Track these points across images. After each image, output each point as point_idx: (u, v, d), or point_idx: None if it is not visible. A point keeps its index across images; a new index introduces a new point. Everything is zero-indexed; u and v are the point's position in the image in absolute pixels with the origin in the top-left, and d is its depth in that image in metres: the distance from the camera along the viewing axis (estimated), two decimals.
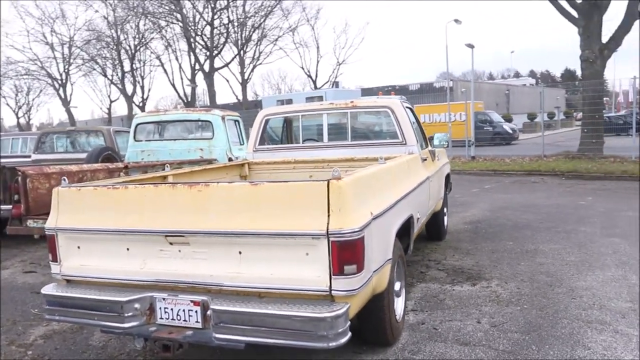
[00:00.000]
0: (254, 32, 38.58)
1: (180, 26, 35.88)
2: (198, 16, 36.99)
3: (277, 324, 2.50)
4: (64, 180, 3.16)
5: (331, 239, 2.50)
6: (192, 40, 36.02)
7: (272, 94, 49.44)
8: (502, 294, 4.68)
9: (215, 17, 36.97)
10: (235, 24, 37.31)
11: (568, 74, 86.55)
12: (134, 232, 2.88)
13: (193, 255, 2.79)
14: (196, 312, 2.73)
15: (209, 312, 2.65)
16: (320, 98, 27.56)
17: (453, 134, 16.83)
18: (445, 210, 6.80)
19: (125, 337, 3.78)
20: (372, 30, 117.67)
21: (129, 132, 9.52)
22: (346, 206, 2.54)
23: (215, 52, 36.38)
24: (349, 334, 2.51)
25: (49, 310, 3.01)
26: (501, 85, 49.99)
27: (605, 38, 16.05)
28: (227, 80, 50.38)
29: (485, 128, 28.34)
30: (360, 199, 2.74)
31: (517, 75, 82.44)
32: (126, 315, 2.80)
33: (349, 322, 2.51)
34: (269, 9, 37.59)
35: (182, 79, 40.37)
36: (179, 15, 35.64)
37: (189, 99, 39.60)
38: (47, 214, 5.52)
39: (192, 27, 36.22)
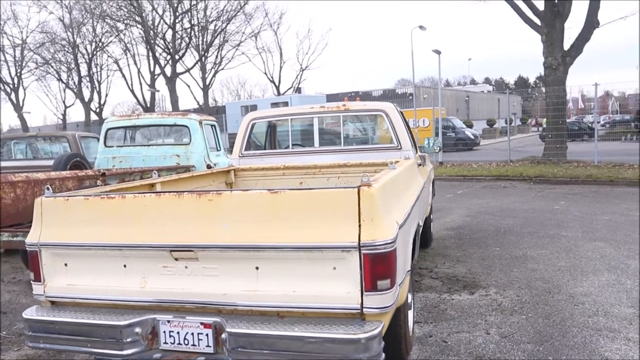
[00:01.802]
0: (216, 37, 37.97)
1: (140, 29, 34.90)
2: (158, 19, 36.13)
3: (305, 348, 2.24)
4: (48, 189, 2.80)
5: (363, 251, 2.26)
6: (152, 44, 35.08)
7: (233, 100, 48.85)
8: (503, 302, 4.55)
9: (177, 20, 36.18)
10: (197, 28, 36.60)
11: (521, 81, 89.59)
12: (132, 247, 2.57)
13: (202, 272, 2.50)
14: (207, 335, 2.44)
15: (223, 336, 2.36)
16: (286, 104, 27.36)
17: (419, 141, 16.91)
18: (431, 216, 6.69)
19: None
20: (335, 36, 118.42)
21: (95, 137, 9.02)
22: (378, 215, 2.32)
23: (177, 57, 35.55)
24: (383, 356, 2.28)
25: (32, 337, 2.64)
26: (461, 91, 51.07)
27: (566, 45, 16.49)
28: (189, 86, 49.24)
29: (448, 134, 28.72)
30: (387, 207, 2.52)
31: (473, 82, 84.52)
32: (126, 341, 2.48)
33: (383, 343, 2.28)
34: (232, 12, 37.11)
35: (141, 84, 39.29)
36: (138, 18, 34.66)
37: (149, 105, 38.53)
38: (13, 225, 5.10)
39: (153, 31, 35.29)
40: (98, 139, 9.01)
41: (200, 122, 7.54)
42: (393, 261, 2.33)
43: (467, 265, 5.82)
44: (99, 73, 41.18)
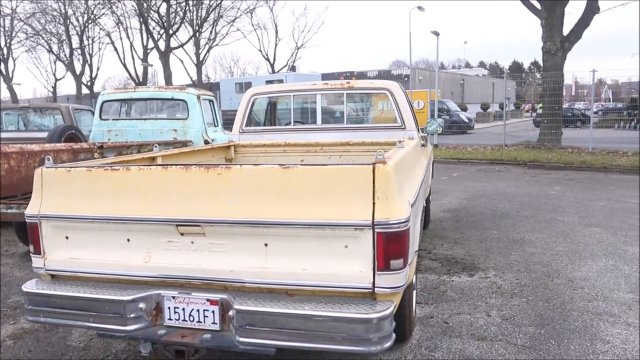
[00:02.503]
0: (211, 12, 37.35)
1: (134, 2, 34.20)
2: None
3: (315, 327, 2.20)
4: (48, 159, 2.71)
5: (377, 230, 2.21)
6: (146, 17, 34.41)
7: (226, 77, 48.29)
8: (503, 285, 4.55)
9: None
10: (192, 2, 35.94)
11: (516, 66, 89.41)
12: (137, 221, 2.49)
13: (209, 248, 2.44)
14: (213, 312, 2.39)
15: (230, 313, 2.31)
16: (281, 82, 27.07)
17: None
18: (430, 197, 6.66)
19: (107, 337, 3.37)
20: (331, 15, 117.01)
21: (89, 110, 8.85)
22: (392, 193, 2.26)
23: (171, 31, 34.95)
24: (394, 336, 2.25)
25: (32, 310, 2.58)
26: (456, 74, 50.85)
27: (565, 31, 16.38)
28: (182, 61, 48.50)
29: (442, 117, 28.61)
30: (400, 185, 2.46)
31: (468, 65, 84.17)
32: (129, 316, 2.42)
33: (394, 324, 2.24)
34: None
35: (133, 58, 38.67)
36: None
37: (141, 80, 38.00)
38: (7, 198, 4.99)
39: (147, 3, 34.59)
40: (92, 112, 8.86)
41: (199, 97, 7.40)
42: (406, 241, 2.28)
43: (465, 247, 5.81)
44: (90, 46, 40.51)
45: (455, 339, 3.47)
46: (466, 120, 29.82)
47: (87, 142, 6.41)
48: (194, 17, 36.98)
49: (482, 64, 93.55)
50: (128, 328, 2.42)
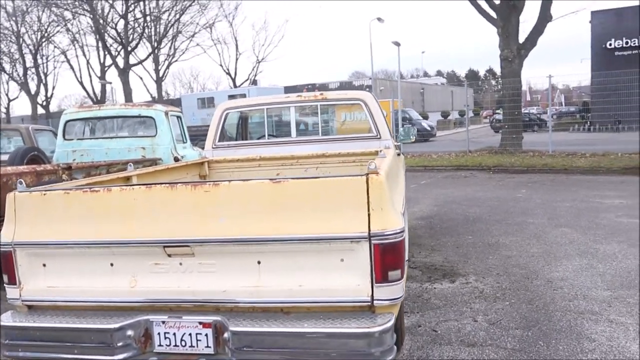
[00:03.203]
0: (169, 27, 36.93)
1: (90, 18, 33.44)
2: (109, 8, 34.75)
3: (316, 344, 2.13)
4: (21, 183, 2.56)
5: (373, 241, 2.17)
6: (102, 34, 33.70)
7: (186, 93, 47.78)
8: (485, 289, 4.58)
9: (129, 10, 34.90)
10: (149, 18, 35.46)
11: (472, 74, 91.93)
12: (120, 244, 2.38)
13: (199, 268, 2.35)
14: (206, 335, 2.29)
15: (225, 335, 2.22)
16: (244, 96, 26.95)
17: None
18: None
19: None
20: (291, 28, 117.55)
21: (50, 131, 8.54)
22: (386, 204, 2.23)
23: (130, 48, 34.33)
24: (395, 349, 2.21)
25: (9, 345, 2.41)
26: (416, 84, 51.83)
27: (521, 39, 16.92)
28: (141, 78, 47.62)
29: (405, 125, 29.03)
30: (392, 195, 2.44)
31: (425, 74, 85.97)
32: (117, 345, 2.30)
33: (395, 337, 2.20)
34: (186, 3, 36.14)
35: (90, 76, 37.77)
36: (87, 7, 33.20)
37: (99, 98, 37.12)
38: None
39: (103, 20, 33.91)
40: (53, 132, 8.55)
41: (166, 113, 7.23)
42: (403, 251, 2.25)
43: (442, 254, 5.84)
44: (45, 64, 39.34)
45: (445, 347, 3.45)
46: (428, 129, 30.34)
47: (51, 163, 6.16)
48: (153, 33, 36.49)
49: (439, 73, 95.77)
50: (116, 358, 2.29)
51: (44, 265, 2.51)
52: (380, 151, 3.41)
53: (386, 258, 2.18)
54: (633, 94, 19.68)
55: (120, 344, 2.30)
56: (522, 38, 16.84)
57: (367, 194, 2.18)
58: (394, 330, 2.18)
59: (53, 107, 40.92)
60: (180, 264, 2.36)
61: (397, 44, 20.89)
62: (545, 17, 16.65)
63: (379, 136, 4.86)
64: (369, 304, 2.21)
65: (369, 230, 2.17)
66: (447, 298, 4.40)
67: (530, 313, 3.98)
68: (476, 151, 17.83)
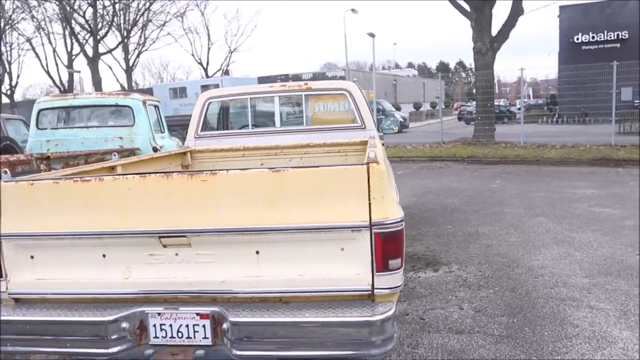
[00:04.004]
0: (139, 16, 36.09)
1: (57, 5, 32.37)
2: None
3: (317, 334, 2.12)
4: (5, 172, 2.46)
5: (374, 230, 2.16)
6: (70, 22, 32.68)
7: (155, 83, 46.92)
8: (468, 278, 4.65)
9: None
10: (118, 6, 34.56)
11: (442, 66, 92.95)
12: (113, 235, 2.31)
13: (196, 259, 2.30)
14: (204, 326, 2.25)
15: (224, 326, 2.19)
16: (217, 86, 26.60)
17: None
18: None
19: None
20: (264, 18, 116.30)
21: (20, 120, 8.27)
22: (387, 193, 2.23)
23: (99, 36, 33.39)
24: (395, 338, 2.21)
25: None
26: (388, 75, 52.07)
27: (494, 32, 17.16)
28: (110, 68, 46.54)
29: (379, 117, 29.20)
30: (390, 184, 2.44)
31: (397, 66, 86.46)
32: (112, 338, 2.24)
33: (396, 325, 2.21)
34: None
35: (57, 64, 36.67)
36: None
37: (67, 87, 36.11)
38: None
39: (71, 8, 32.88)
40: (23, 121, 8.28)
41: (144, 102, 7.06)
42: (402, 240, 2.26)
43: (424, 243, 5.91)
44: (9, 52, 37.98)
45: (434, 334, 3.50)
46: (401, 120, 30.56)
47: (24, 153, 5.96)
48: (122, 21, 35.61)
49: (410, 65, 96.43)
50: (111, 350, 2.23)
51: (32, 257, 2.43)
52: (370, 141, 3.40)
53: (387, 247, 2.18)
54: (599, 87, 20.22)
55: (115, 336, 2.24)
56: (494, 31, 17.07)
57: (368, 183, 2.17)
58: (394, 318, 2.19)
59: (17, 97, 39.60)
60: (176, 254, 2.31)
61: (372, 35, 20.92)
62: (517, 10, 16.92)
63: (363, 126, 4.86)
64: (370, 292, 2.21)
65: (370, 219, 2.16)
66: (432, 287, 4.45)
67: (514, 300, 4.06)
68: (450, 142, 18.06)
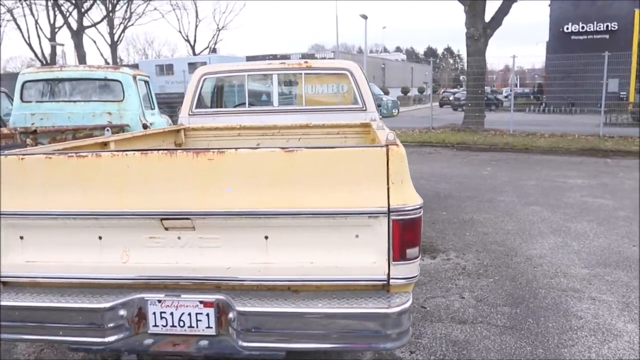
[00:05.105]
0: None
1: None
2: None
3: (330, 325, 2.00)
4: None
5: (392, 217, 2.04)
6: None
7: (140, 59, 46.00)
8: (467, 265, 4.58)
9: None
10: None
11: (430, 52, 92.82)
12: (111, 216, 2.15)
13: (199, 243, 2.16)
14: (207, 315, 2.12)
15: (231, 315, 2.06)
16: (204, 63, 26.10)
17: None
18: None
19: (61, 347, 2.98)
20: None
21: (4, 92, 7.94)
22: (406, 177, 2.10)
23: (83, 9, 32.44)
24: (411, 331, 2.11)
25: None
26: (377, 59, 51.72)
27: (487, 18, 17.01)
28: (95, 42, 45.53)
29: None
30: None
31: (385, 50, 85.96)
32: (108, 326, 2.09)
33: (411, 318, 2.10)
34: None
35: (39, 37, 35.59)
36: None
37: (49, 60, 35.15)
38: None
39: None
40: (6, 94, 7.95)
41: (134, 77, 6.79)
42: (420, 227, 2.14)
43: None
44: None
45: (437, 324, 3.41)
46: (390, 103, 30.36)
47: (8, 127, 5.70)
48: None
49: (398, 49, 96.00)
50: (108, 339, 2.09)
51: (21, 237, 2.26)
52: (379, 122, 3.26)
53: (405, 235, 2.06)
54: (587, 78, 20.26)
55: (111, 324, 2.10)
56: (487, 17, 16.93)
57: (387, 166, 2.04)
58: (411, 311, 2.08)
59: None
60: (179, 238, 2.16)
61: (365, 17, 20.65)
62: None
63: (364, 108, 4.72)
64: (385, 282, 2.10)
65: (389, 205, 2.03)
66: (431, 274, 4.36)
67: (515, 290, 3.99)
68: (439, 128, 17.99)
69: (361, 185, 2.06)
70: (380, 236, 2.06)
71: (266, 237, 2.13)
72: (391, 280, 2.09)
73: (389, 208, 2.03)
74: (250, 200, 2.09)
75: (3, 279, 2.28)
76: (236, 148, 2.11)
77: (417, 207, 2.08)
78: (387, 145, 2.06)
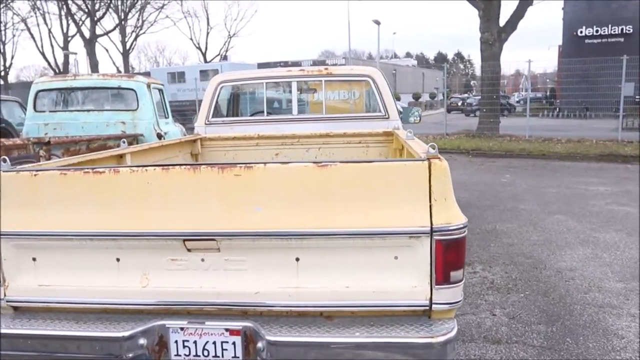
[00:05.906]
0: None
1: None
2: None
3: (368, 356, 1.83)
4: (5, 161, 2.14)
5: (436, 237, 1.87)
6: (68, 1, 31.88)
7: (151, 67, 46.27)
8: (495, 279, 4.38)
9: None
10: None
11: (440, 57, 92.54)
12: (130, 237, 2.00)
13: (225, 266, 2.00)
14: (234, 344, 1.96)
15: (260, 345, 1.89)
16: (216, 71, 26.11)
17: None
18: None
19: None
20: (264, 3, 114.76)
21: (16, 101, 7.88)
22: (450, 194, 1.93)
23: (96, 18, 32.64)
24: None
25: None
26: (388, 64, 51.58)
27: (501, 22, 16.81)
28: (107, 50, 45.83)
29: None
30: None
31: (395, 56, 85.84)
32: (127, 356, 1.94)
33: (456, 348, 1.92)
34: None
35: (52, 46, 35.88)
36: None
37: (61, 69, 35.40)
38: None
39: None
40: (19, 104, 7.90)
41: (149, 85, 6.68)
42: (464, 248, 1.96)
43: None
44: (3, 32, 37.12)
45: (470, 344, 3.22)
46: (401, 110, 30.15)
47: (21, 137, 5.61)
48: (120, 3, 34.87)
49: (409, 55, 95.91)
50: None
51: (34, 259, 2.11)
52: (409, 132, 3.10)
53: (448, 256, 1.89)
54: (601, 82, 19.94)
55: (130, 355, 1.94)
56: (502, 22, 16.73)
57: (429, 182, 1.87)
58: (456, 339, 1.90)
59: (11, 78, 38.86)
60: (203, 260, 2.00)
61: (378, 22, 20.52)
62: (526, 1, 16.56)
63: (387, 116, 4.56)
64: (427, 308, 1.92)
65: (431, 224, 1.86)
66: None
67: (549, 306, 3.79)
68: (453, 134, 17.78)
69: (400, 203, 1.89)
70: (422, 258, 1.89)
71: (297, 259, 1.97)
72: (434, 306, 1.92)
73: (431, 227, 1.86)
74: (280, 219, 1.93)
75: (14, 304, 2.13)
76: (265, 162, 1.95)
77: (462, 226, 1.92)
78: (428, 159, 1.89)
